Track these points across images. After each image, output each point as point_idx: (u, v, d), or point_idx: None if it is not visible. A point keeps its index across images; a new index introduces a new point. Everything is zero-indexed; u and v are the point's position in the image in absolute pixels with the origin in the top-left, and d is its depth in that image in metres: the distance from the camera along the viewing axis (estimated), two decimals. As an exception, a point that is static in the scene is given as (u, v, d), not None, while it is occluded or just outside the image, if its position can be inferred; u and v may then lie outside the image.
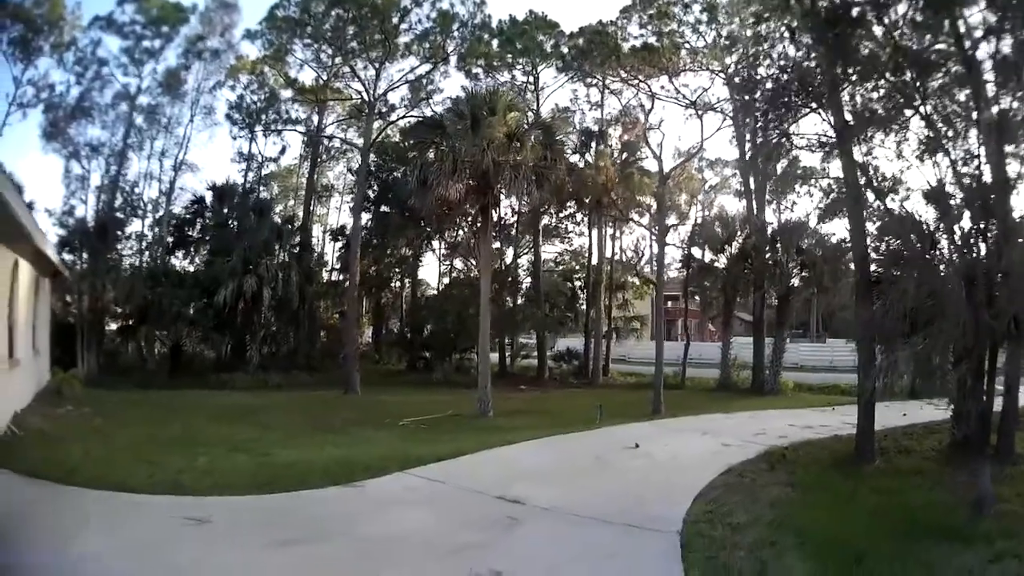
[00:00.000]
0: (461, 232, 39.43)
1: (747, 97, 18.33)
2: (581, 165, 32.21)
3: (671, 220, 35.49)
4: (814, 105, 14.07)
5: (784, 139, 16.54)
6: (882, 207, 13.97)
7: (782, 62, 14.79)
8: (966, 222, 12.01)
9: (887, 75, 12.54)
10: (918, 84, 12.20)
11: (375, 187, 38.85)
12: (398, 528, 7.82)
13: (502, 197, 23.59)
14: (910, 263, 12.84)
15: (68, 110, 38.19)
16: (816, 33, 13.11)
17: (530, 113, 32.89)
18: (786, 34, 14.87)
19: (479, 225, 24.36)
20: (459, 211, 28.45)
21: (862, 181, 14.02)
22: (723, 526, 7.83)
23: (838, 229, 30.81)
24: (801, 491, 10.02)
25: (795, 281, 28.70)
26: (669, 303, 50.59)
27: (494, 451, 12.83)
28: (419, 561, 6.79)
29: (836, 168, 22.79)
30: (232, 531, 7.42)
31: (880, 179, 14.22)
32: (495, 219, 25.92)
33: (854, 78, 13.29)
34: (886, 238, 14.32)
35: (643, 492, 9.74)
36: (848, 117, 14.01)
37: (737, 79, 24.77)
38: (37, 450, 10.78)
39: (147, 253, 38.95)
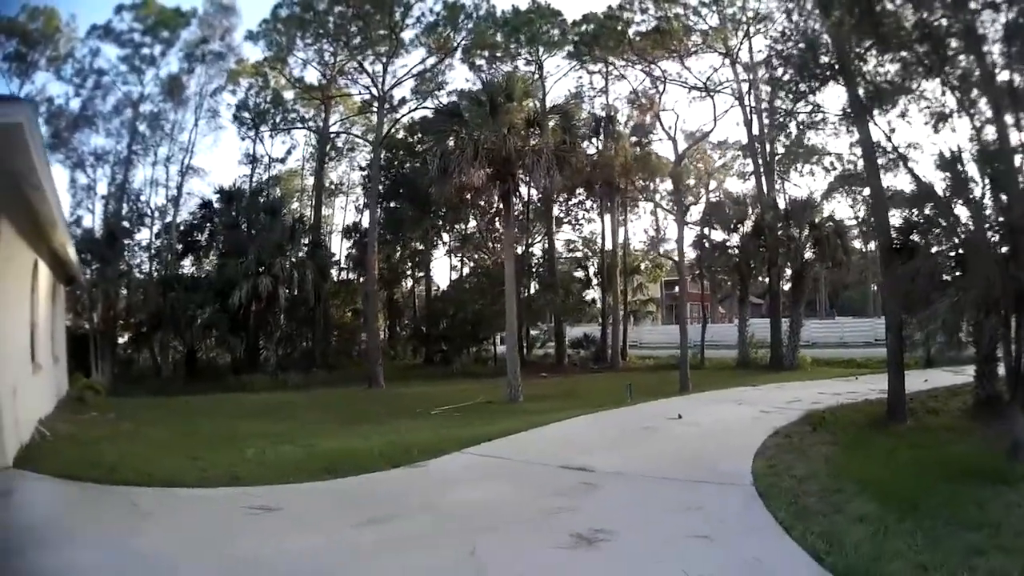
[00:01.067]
0: (474, 223, 40.05)
1: (772, 70, 18.71)
2: (591, 151, 32.63)
3: (685, 200, 36.09)
4: (839, 77, 14.53)
5: (813, 110, 16.99)
6: (907, 174, 14.58)
7: (810, 36, 15.22)
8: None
9: (913, 46, 13.04)
10: (939, 54, 12.76)
11: (384, 182, 39.04)
12: (479, 499, 7.96)
13: (521, 183, 23.63)
14: (932, 225, 13.51)
15: (71, 120, 38.44)
16: (848, 7, 13.54)
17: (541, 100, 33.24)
18: (812, 8, 15.25)
19: (501, 211, 24.86)
20: (479, 198, 28.86)
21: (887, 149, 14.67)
22: (789, 478, 8.29)
23: (843, 206, 31.65)
24: (845, 448, 10.49)
25: (808, 255, 29.09)
26: (676, 287, 51.21)
27: (541, 429, 13.12)
28: (514, 527, 6.87)
29: (839, 145, 23.53)
30: (309, 516, 7.31)
31: (897, 148, 14.80)
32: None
33: (879, 51, 13.78)
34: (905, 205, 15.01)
35: (701, 454, 10.21)
36: (862, 90, 14.63)
37: (761, 52, 25.16)
38: (70, 452, 10.51)
39: (157, 259, 39.23)
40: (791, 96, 17.42)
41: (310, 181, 48.66)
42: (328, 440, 12.40)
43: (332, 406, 20.84)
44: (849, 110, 15.22)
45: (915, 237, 14.58)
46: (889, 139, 14.44)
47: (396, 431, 13.94)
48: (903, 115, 14.93)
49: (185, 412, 18.68)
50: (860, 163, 16.62)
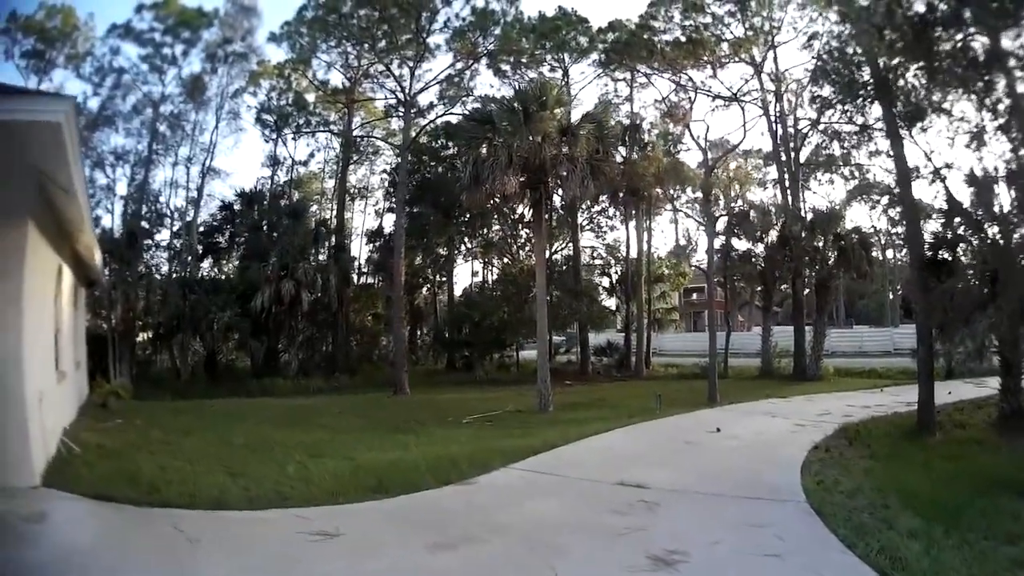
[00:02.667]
0: (497, 227, 40.64)
1: (815, 86, 19.36)
2: (617, 159, 33.08)
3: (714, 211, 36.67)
4: (878, 97, 15.08)
5: (857, 130, 17.51)
6: (942, 192, 15.13)
7: (856, 58, 15.78)
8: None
9: (959, 70, 13.60)
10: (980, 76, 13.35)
11: (409, 187, 39.30)
12: (542, 519, 7.89)
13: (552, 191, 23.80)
14: (963, 241, 14.12)
15: (91, 119, 38.72)
16: (900, 35, 14.10)
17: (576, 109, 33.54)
18: (848, 28, 15.81)
19: (532, 219, 25.02)
20: (505, 204, 29.29)
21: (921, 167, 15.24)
22: (837, 493, 8.77)
23: (860, 212, 32.19)
24: (883, 461, 11.03)
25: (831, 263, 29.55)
26: (695, 295, 51.75)
27: (583, 442, 13.23)
28: (588, 549, 6.87)
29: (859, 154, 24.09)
30: (373, 541, 7.06)
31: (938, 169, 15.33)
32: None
33: (924, 73, 14.33)
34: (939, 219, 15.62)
35: (749, 469, 10.55)
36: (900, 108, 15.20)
37: (790, 67, 25.68)
38: (102, 466, 10.00)
39: (176, 260, 39.71)
40: (833, 110, 17.97)
41: (330, 183, 49.28)
42: (367, 452, 12.34)
43: (361, 414, 21.05)
44: (885, 128, 15.77)
45: (946, 254, 15.24)
46: (929, 159, 14.97)
47: (433, 441, 14.14)
48: (938, 133, 15.55)
49: (212, 419, 18.62)
50: (884, 175, 17.08)
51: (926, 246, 15.33)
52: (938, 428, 13.87)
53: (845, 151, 19.37)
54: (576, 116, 26.07)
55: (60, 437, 11.04)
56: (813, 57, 22.41)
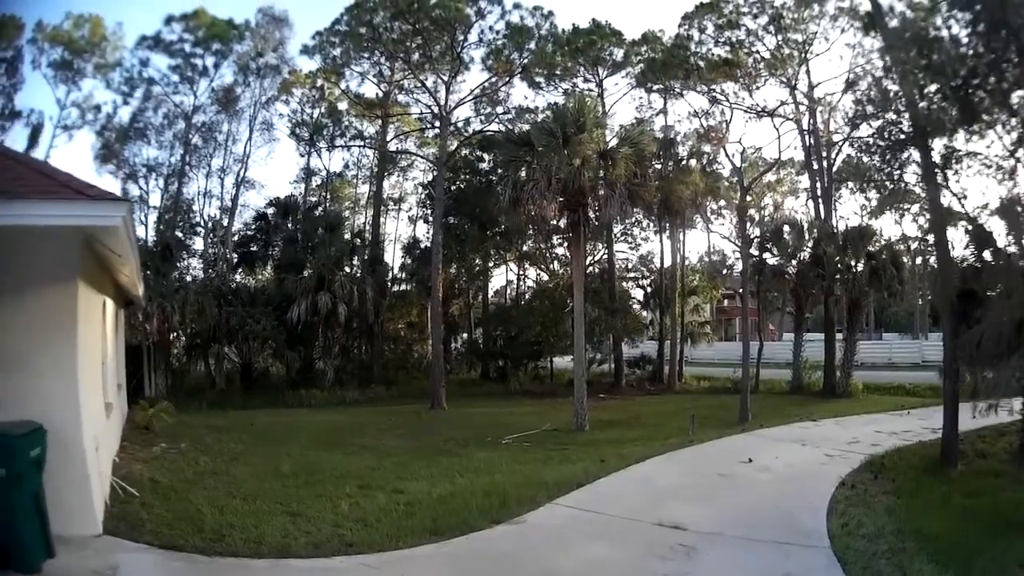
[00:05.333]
0: (534, 242, 41.38)
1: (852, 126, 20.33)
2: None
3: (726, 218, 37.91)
4: (916, 143, 15.98)
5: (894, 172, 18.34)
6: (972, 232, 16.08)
7: (895, 104, 16.69)
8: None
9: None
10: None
11: (445, 199, 39.76)
12: (591, 565, 8.65)
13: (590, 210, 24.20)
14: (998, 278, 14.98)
15: (122, 130, 40.24)
16: (940, 87, 15.07)
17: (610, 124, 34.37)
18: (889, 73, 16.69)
19: (570, 240, 25.76)
20: (546, 223, 30.11)
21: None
22: (859, 537, 9.54)
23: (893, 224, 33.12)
24: (905, 498, 11.69)
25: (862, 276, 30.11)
26: (726, 301, 52.56)
27: (622, 474, 13.92)
28: None
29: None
30: None
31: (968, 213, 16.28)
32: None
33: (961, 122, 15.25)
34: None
35: (779, 508, 11.20)
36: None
37: (848, 110, 26.57)
38: (161, 509, 10.15)
39: (212, 269, 40.53)
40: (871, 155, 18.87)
41: (363, 189, 50.20)
42: (414, 483, 12.89)
43: (401, 432, 21.75)
44: (921, 173, 16.64)
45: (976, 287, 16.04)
46: (961, 202, 15.90)
47: (476, 468, 14.78)
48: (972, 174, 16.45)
49: (255, 437, 19.23)
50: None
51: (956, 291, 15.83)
52: (960, 458, 14.58)
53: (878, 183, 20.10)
54: (613, 135, 26.92)
55: (112, 477, 11.13)
56: (854, 101, 23.20)
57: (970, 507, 11.12)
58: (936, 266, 16.67)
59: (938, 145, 16.00)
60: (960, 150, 15.96)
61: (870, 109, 17.85)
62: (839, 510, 11.05)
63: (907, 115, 16.00)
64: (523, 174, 23.06)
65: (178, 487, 11.77)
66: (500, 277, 48.99)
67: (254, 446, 17.51)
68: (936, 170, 15.79)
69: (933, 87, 15.08)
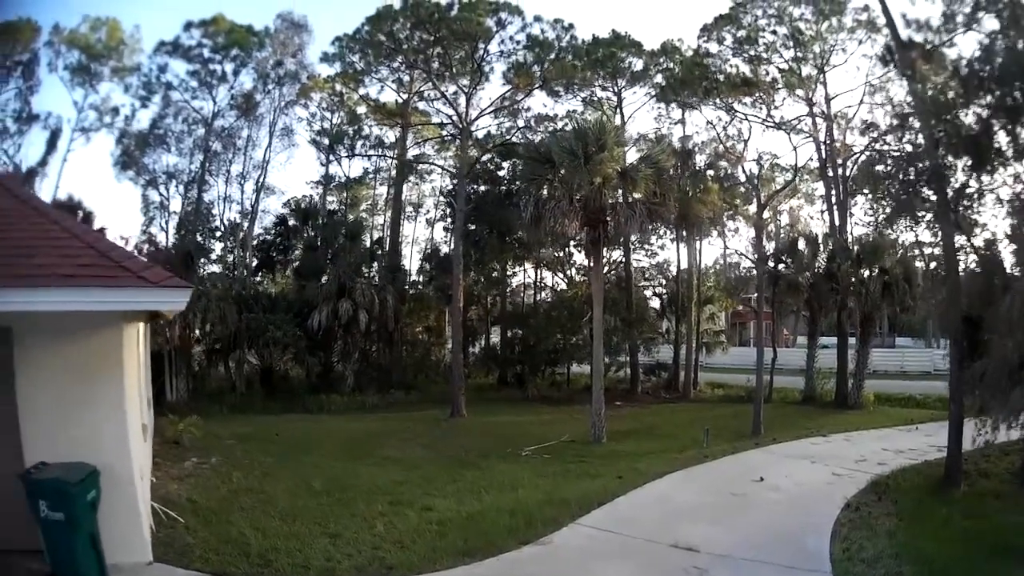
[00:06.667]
0: (551, 249, 41.92)
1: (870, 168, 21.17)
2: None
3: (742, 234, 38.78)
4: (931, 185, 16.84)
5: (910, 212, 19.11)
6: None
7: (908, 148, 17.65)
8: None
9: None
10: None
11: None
12: None
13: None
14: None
15: (142, 137, 40.80)
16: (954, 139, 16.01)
17: (629, 137, 35.78)
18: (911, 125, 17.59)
19: (590, 254, 26.40)
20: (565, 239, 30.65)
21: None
22: (859, 562, 10.26)
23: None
24: (906, 520, 12.42)
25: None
26: (740, 306, 53.38)
27: (640, 491, 14.69)
28: None
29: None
30: None
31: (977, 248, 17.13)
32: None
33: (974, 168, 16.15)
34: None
35: (786, 531, 11.95)
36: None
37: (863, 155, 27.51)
38: (205, 534, 10.56)
39: (231, 275, 40.91)
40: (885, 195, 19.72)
41: (380, 190, 51.10)
42: (441, 499, 13.66)
43: (423, 442, 22.47)
44: (935, 210, 17.45)
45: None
46: (970, 241, 16.76)
47: (499, 483, 15.52)
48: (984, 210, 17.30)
49: (281, 448, 19.78)
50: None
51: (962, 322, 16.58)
52: (963, 478, 15.30)
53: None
54: (631, 143, 27.74)
55: (151, 502, 11.14)
56: (872, 145, 24.04)
57: (970, 529, 11.85)
58: (945, 295, 17.31)
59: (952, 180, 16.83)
60: (972, 187, 16.77)
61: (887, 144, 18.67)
62: (842, 534, 11.78)
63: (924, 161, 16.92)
64: (545, 192, 23.79)
65: (217, 508, 12.22)
66: (517, 276, 49.40)
67: (282, 458, 18.04)
68: (950, 211, 16.52)
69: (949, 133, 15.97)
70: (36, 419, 8.59)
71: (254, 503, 12.81)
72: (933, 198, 17.00)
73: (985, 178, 16.59)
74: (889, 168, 19.23)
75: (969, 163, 15.91)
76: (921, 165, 17.07)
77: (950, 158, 16.22)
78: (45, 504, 7.73)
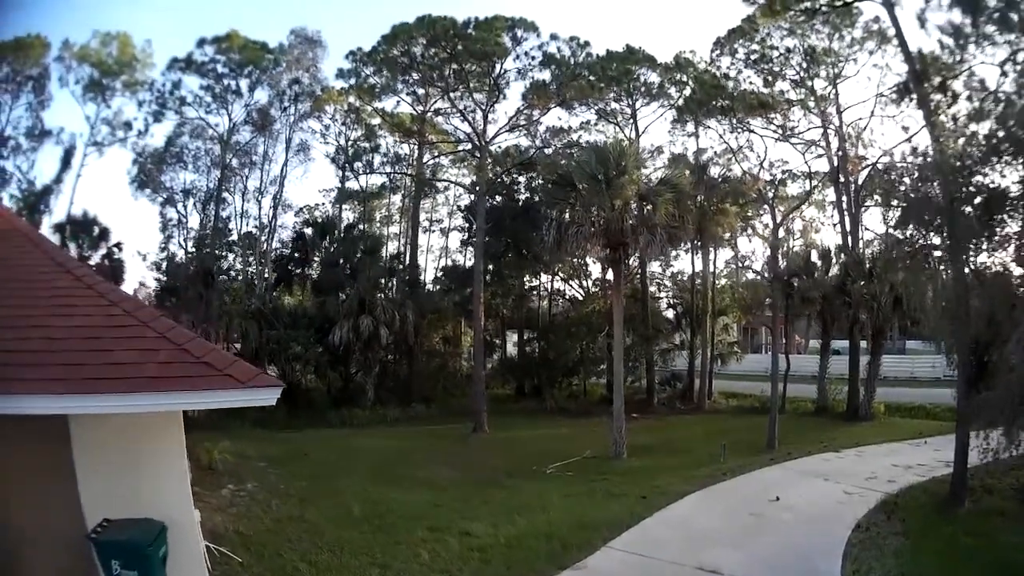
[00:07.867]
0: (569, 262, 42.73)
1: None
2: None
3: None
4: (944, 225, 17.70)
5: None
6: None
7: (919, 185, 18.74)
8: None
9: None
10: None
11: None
12: None
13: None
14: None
15: (158, 156, 41.66)
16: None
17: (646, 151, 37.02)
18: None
19: (612, 269, 26.99)
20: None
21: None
22: None
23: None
24: (913, 539, 13.28)
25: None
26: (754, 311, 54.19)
27: (664, 513, 15.56)
28: None
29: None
30: None
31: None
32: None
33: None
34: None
35: (803, 553, 12.73)
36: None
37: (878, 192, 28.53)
38: (260, 569, 11.01)
39: (250, 291, 41.50)
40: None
41: (395, 199, 51.84)
42: (477, 522, 14.35)
43: (448, 460, 23.25)
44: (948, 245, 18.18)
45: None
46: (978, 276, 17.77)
47: (529, 504, 16.33)
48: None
49: (313, 471, 20.25)
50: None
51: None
52: (968, 495, 16.18)
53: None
54: (648, 154, 28.48)
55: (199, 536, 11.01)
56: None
57: (973, 548, 12.71)
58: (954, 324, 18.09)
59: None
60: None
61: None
62: (853, 554, 12.65)
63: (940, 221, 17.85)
64: (567, 216, 24.81)
65: (265, 540, 12.62)
66: (533, 283, 49.94)
67: (315, 482, 18.62)
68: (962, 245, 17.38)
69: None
70: (95, 473, 8.60)
71: (300, 533, 13.27)
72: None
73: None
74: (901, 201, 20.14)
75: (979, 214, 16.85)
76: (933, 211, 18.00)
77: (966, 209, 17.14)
78: (118, 563, 7.97)
